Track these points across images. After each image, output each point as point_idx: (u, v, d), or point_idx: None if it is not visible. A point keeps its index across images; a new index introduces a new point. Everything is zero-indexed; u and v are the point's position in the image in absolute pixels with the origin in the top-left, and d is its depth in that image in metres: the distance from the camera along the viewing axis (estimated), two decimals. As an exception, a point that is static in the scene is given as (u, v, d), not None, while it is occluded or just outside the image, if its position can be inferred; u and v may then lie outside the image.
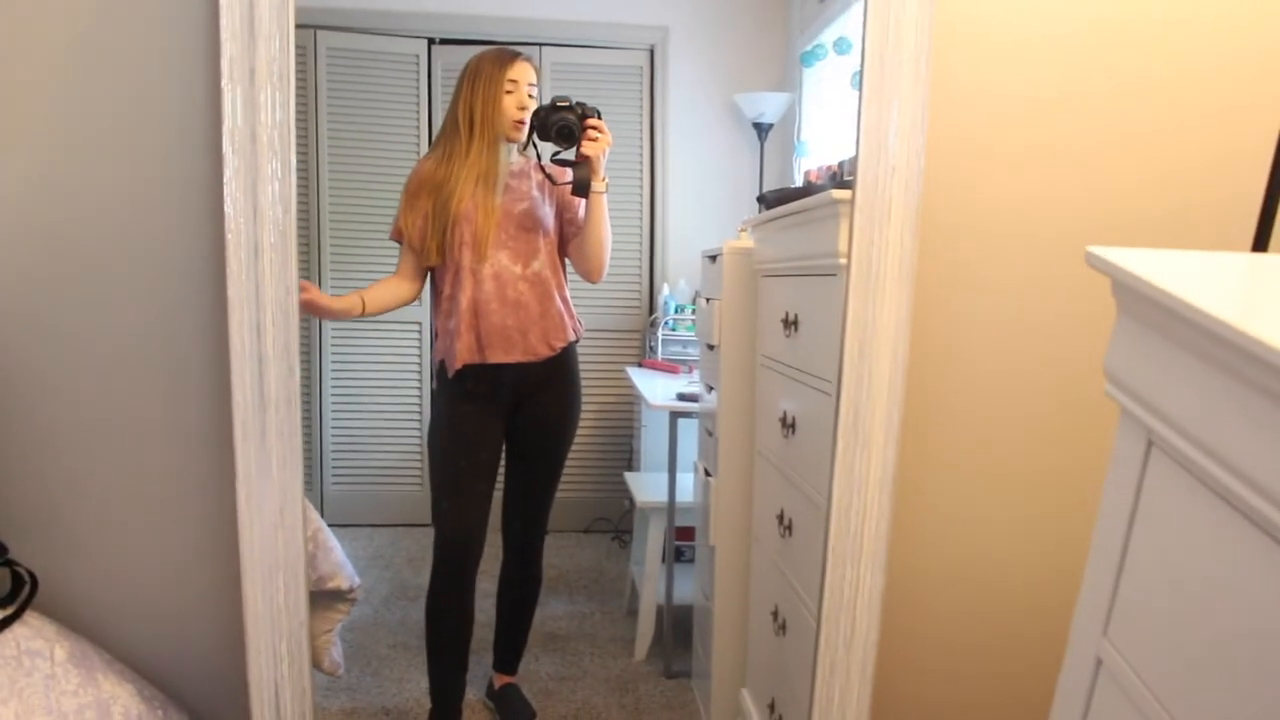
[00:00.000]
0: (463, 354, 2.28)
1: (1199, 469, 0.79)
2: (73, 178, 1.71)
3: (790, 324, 2.01)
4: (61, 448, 1.77)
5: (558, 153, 2.30)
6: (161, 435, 1.78)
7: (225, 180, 1.56)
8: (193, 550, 1.81)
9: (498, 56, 2.30)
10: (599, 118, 2.25)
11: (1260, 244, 1.48)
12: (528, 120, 2.30)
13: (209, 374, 1.74)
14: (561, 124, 2.24)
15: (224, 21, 1.54)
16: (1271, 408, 0.68)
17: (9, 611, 1.62)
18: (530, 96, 2.30)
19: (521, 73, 2.29)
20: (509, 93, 2.27)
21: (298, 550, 1.65)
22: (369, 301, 2.29)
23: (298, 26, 1.58)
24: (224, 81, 1.55)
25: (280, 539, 1.63)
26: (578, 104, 2.26)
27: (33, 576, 1.70)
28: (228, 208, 1.56)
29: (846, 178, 1.95)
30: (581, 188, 2.26)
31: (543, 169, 2.36)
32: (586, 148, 2.23)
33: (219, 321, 1.64)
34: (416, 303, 2.46)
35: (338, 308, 2.29)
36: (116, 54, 1.69)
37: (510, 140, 2.32)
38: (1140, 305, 0.89)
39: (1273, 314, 0.83)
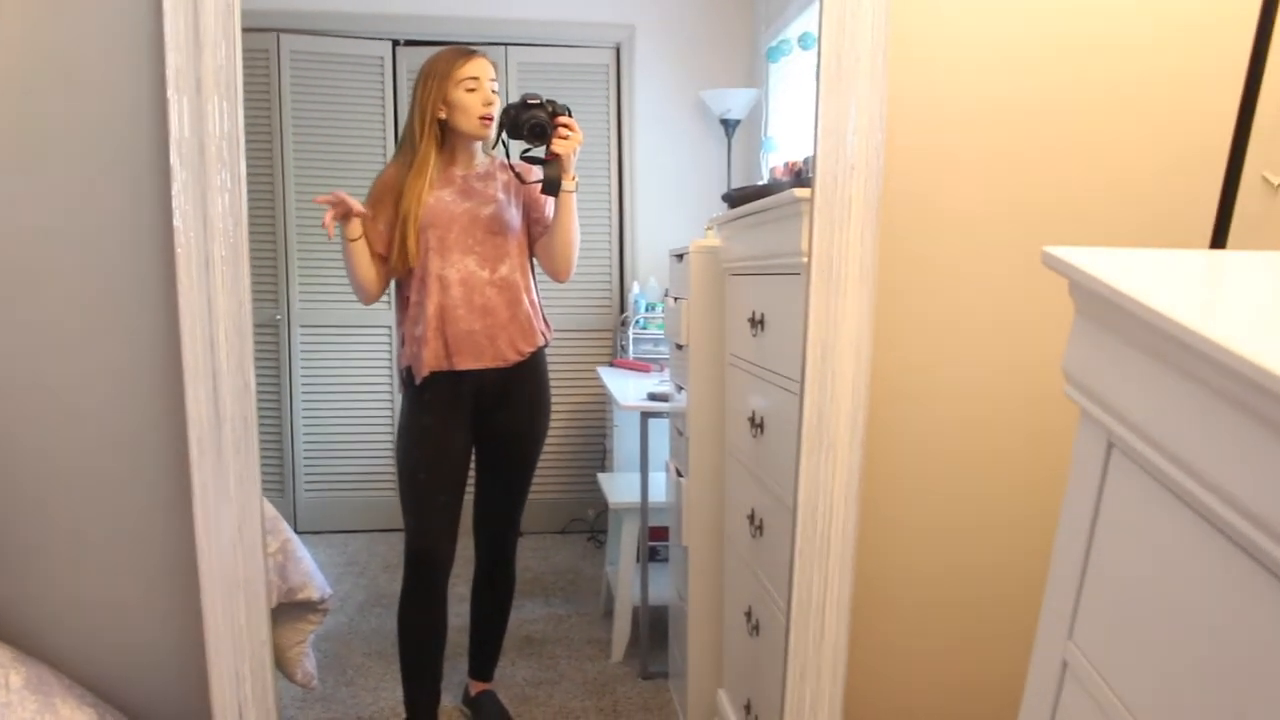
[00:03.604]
0: (430, 361, 2.25)
1: (1158, 471, 0.78)
2: (11, 194, 1.66)
3: (757, 323, 2.00)
4: (16, 469, 1.73)
5: (525, 151, 2.28)
6: (118, 454, 1.74)
7: (173, 193, 1.53)
8: (153, 571, 1.77)
9: (453, 56, 2.26)
10: (570, 115, 2.23)
11: (1218, 241, 1.47)
12: (495, 116, 2.27)
13: (165, 391, 1.70)
14: (534, 122, 2.20)
15: (168, 30, 1.51)
16: (1228, 410, 0.67)
17: (-36, 638, 1.58)
18: (494, 92, 2.26)
19: (481, 69, 2.25)
20: (471, 90, 2.23)
21: (258, 568, 1.63)
22: (362, 247, 2.26)
23: (259, 29, 1.56)
24: (170, 92, 1.52)
25: (240, 558, 1.60)
26: (548, 101, 2.23)
27: (-12, 601, 1.66)
28: (177, 221, 1.54)
29: (809, 174, 1.94)
30: (552, 186, 2.23)
31: (511, 168, 2.33)
32: (557, 145, 2.20)
33: (172, 338, 1.61)
34: (384, 305, 2.42)
35: (355, 235, 2.25)
36: (57, 65, 1.64)
37: (478, 138, 2.29)
38: (1097, 306, 0.88)
39: (1229, 314, 0.82)
